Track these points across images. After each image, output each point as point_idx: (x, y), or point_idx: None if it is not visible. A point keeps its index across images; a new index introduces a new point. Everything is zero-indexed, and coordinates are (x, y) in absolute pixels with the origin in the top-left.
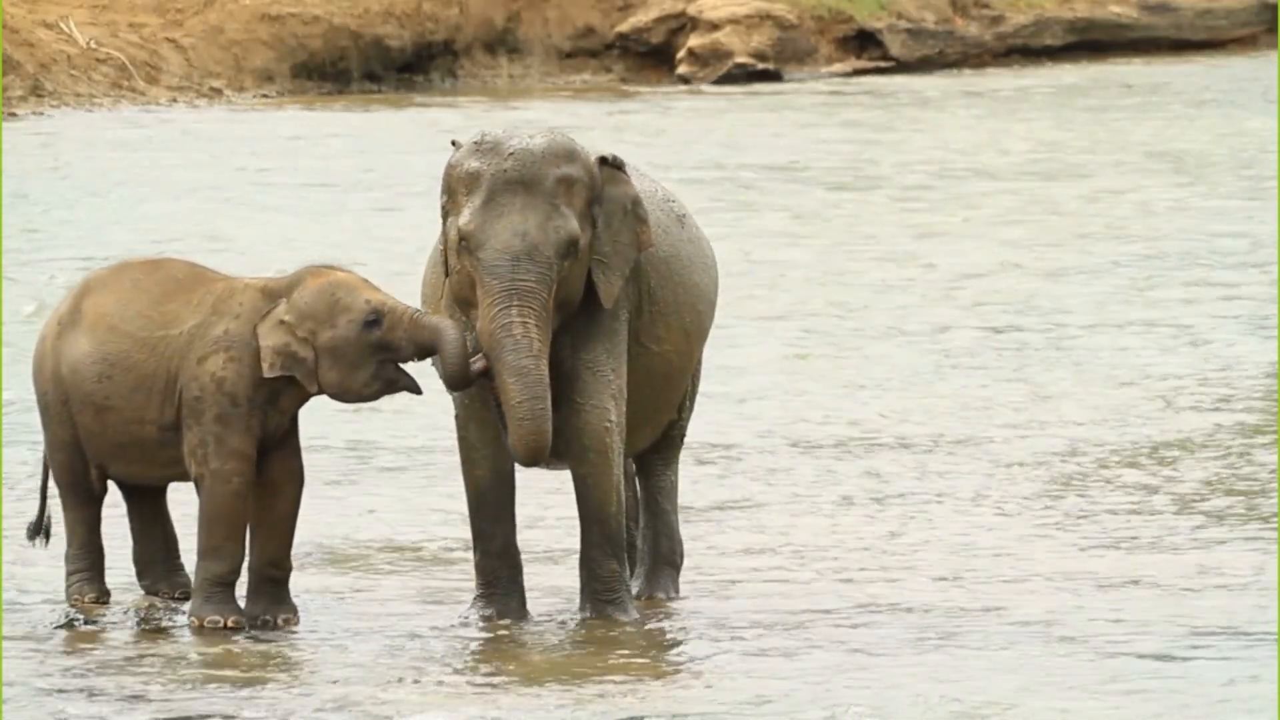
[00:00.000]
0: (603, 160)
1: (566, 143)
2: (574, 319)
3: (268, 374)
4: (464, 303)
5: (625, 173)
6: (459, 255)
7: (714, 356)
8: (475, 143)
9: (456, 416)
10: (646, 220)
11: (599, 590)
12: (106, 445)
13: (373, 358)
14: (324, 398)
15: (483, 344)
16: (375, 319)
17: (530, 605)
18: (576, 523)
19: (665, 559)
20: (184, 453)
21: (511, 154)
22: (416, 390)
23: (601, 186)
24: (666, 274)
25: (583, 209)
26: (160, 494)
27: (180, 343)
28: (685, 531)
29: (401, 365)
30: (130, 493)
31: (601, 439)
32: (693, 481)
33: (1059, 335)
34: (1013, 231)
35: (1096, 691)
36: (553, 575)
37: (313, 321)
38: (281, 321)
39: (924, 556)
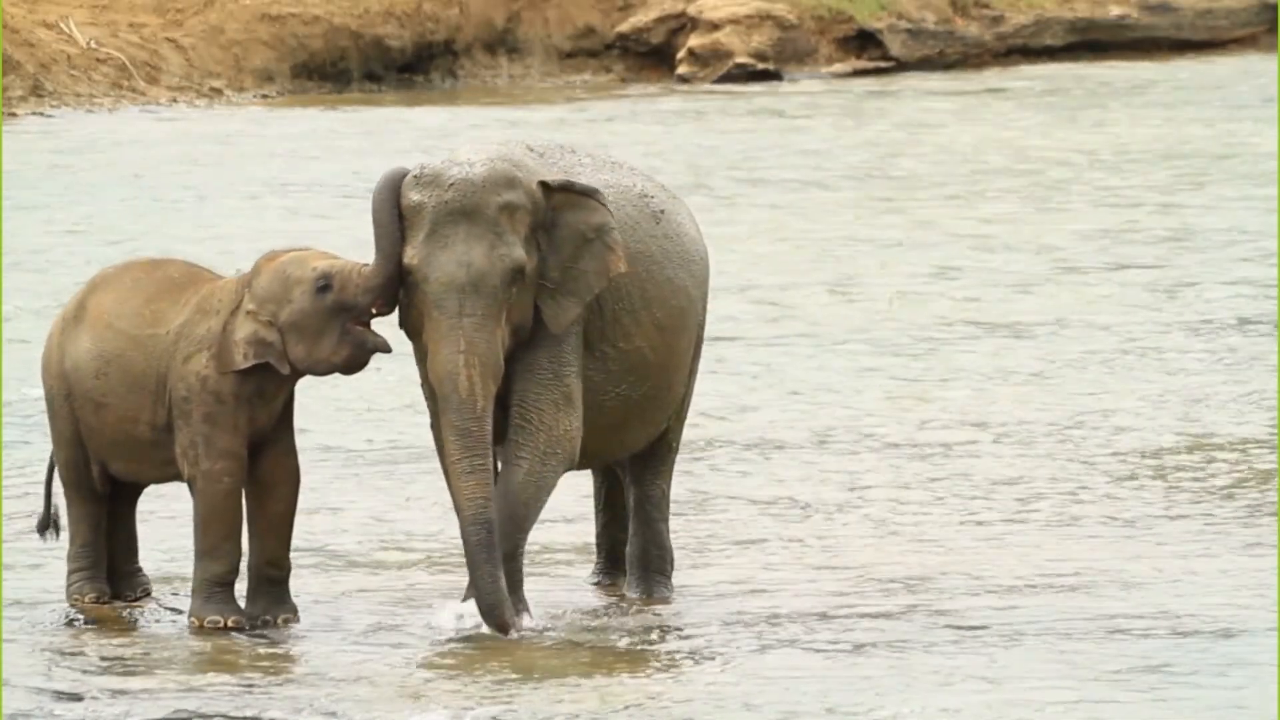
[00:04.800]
0: (545, 185)
1: (507, 169)
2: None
3: (240, 365)
4: (415, 333)
5: (596, 200)
6: (406, 289)
7: (753, 352)
8: (415, 175)
9: (432, 425)
10: (616, 247)
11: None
12: (105, 443)
13: (334, 322)
14: (326, 397)
15: (434, 382)
16: (325, 283)
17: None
18: (576, 520)
19: (655, 569)
20: (176, 454)
21: (452, 184)
22: (386, 349)
23: (545, 211)
24: (634, 272)
25: (527, 234)
26: (135, 496)
27: (168, 342)
28: (706, 525)
29: (368, 325)
30: (115, 490)
31: (532, 436)
32: (732, 475)
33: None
34: (1018, 232)
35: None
36: (552, 575)
37: (272, 303)
38: (247, 312)
39: (939, 558)
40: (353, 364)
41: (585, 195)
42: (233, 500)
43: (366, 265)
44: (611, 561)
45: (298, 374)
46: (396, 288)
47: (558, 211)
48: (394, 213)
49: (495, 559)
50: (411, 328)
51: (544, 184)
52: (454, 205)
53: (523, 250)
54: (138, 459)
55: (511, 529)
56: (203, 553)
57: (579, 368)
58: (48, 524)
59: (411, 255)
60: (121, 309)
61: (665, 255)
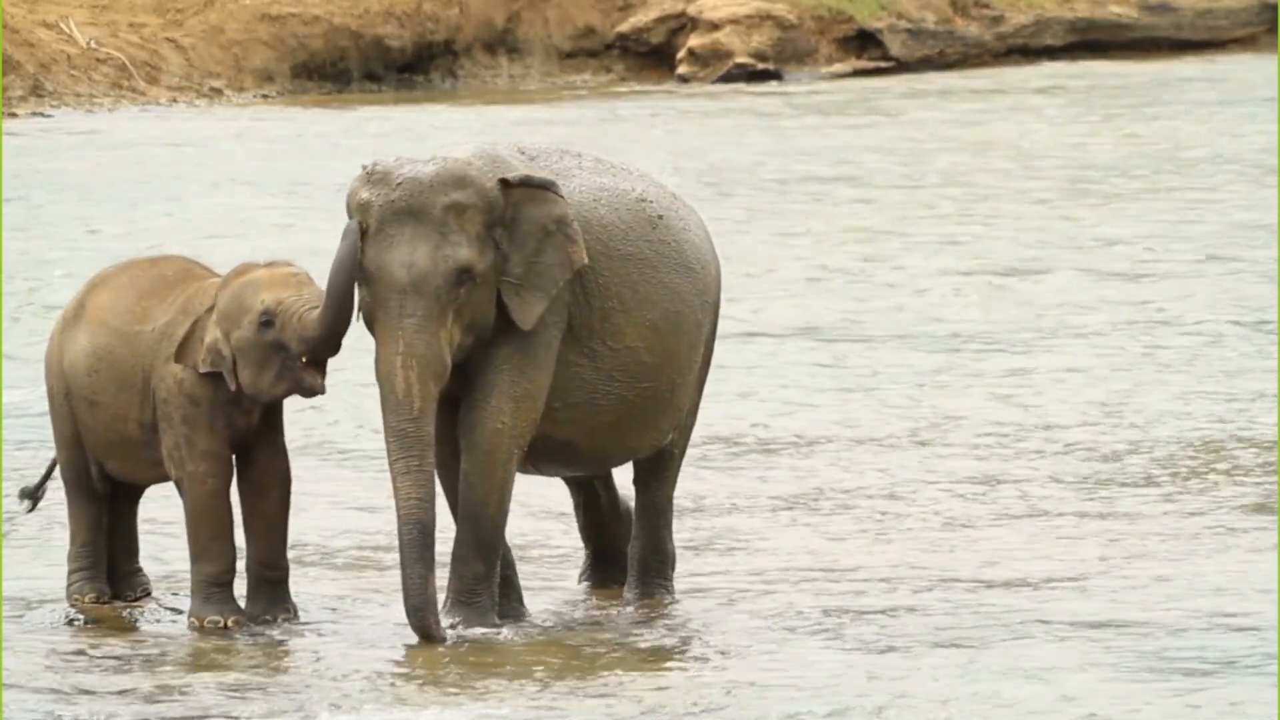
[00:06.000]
0: (504, 182)
1: (457, 169)
2: (496, 331)
3: (201, 369)
4: (371, 330)
5: (553, 192)
6: (360, 286)
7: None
8: (367, 173)
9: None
10: (576, 238)
11: (460, 591)
12: (100, 442)
13: (275, 357)
14: (325, 395)
15: (377, 382)
16: (268, 319)
17: (528, 603)
18: (575, 518)
19: (655, 573)
20: (163, 455)
21: (400, 184)
22: (320, 392)
23: (505, 208)
24: (624, 272)
25: (479, 233)
26: (136, 496)
27: (152, 340)
28: (708, 524)
29: (312, 364)
30: (115, 490)
31: (490, 439)
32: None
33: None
34: (1022, 230)
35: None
36: (553, 574)
37: (227, 321)
38: (214, 320)
39: (947, 555)
40: (302, 395)
41: (543, 188)
42: (218, 500)
43: (312, 310)
44: (599, 559)
45: (245, 394)
46: (337, 341)
47: (518, 207)
48: (351, 273)
49: (427, 560)
50: (368, 325)
51: (503, 181)
52: (400, 205)
53: (471, 250)
54: (130, 459)
55: (488, 549)
56: (196, 554)
57: (550, 366)
58: (32, 495)
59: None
60: (115, 306)
61: (660, 258)
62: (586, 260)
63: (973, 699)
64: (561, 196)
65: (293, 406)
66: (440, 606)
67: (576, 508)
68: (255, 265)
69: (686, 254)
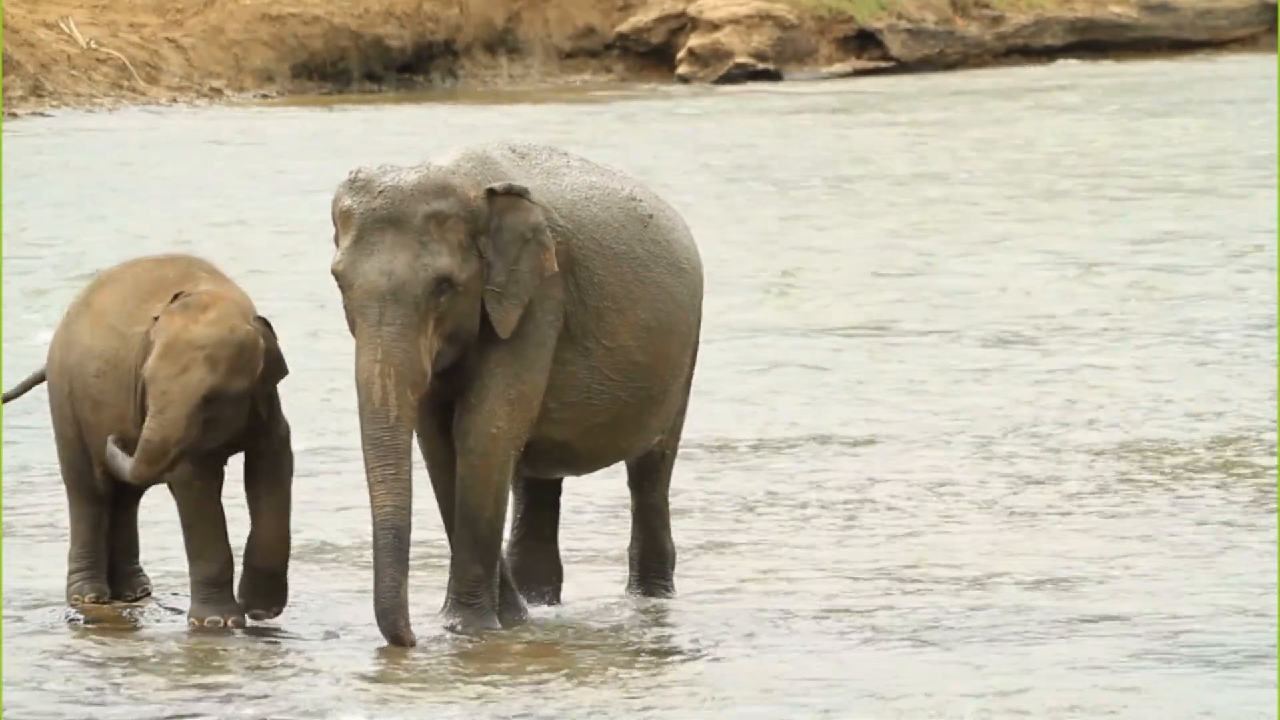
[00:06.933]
0: (491, 191)
1: (440, 177)
2: (489, 334)
3: None
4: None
5: (528, 200)
6: (342, 293)
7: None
8: (350, 179)
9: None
10: (549, 246)
11: (461, 592)
12: (102, 442)
13: None
14: (324, 396)
15: (356, 389)
16: (144, 389)
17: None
18: (581, 519)
19: (655, 572)
20: None
21: (381, 191)
22: (138, 480)
23: (489, 217)
24: (617, 270)
25: (461, 242)
26: (137, 497)
27: (142, 341)
28: (710, 524)
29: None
30: (116, 490)
31: (484, 443)
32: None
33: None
34: (1008, 227)
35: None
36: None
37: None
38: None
39: (947, 554)
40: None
41: (519, 196)
42: (209, 504)
43: (155, 421)
44: (521, 580)
45: None
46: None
47: (502, 215)
48: (200, 406)
49: (401, 565)
50: (351, 331)
51: (490, 190)
52: (381, 213)
53: (451, 259)
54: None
55: (487, 552)
56: (193, 556)
57: (546, 366)
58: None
59: (338, 261)
60: (115, 306)
61: (653, 258)
62: (556, 269)
63: (978, 692)
64: (535, 204)
65: (297, 407)
66: (441, 608)
67: (511, 524)
68: (193, 302)
69: (677, 254)
